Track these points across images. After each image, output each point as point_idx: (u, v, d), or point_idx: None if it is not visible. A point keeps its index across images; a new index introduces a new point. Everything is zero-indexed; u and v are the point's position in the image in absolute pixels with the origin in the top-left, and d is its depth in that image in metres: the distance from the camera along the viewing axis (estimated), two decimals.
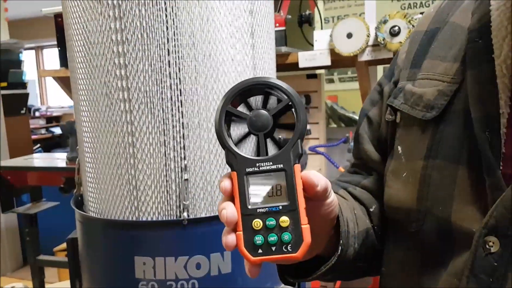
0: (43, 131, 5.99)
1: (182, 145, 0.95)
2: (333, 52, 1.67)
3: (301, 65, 1.74)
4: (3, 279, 3.01)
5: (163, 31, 0.91)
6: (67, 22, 1.02)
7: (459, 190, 0.47)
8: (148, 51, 0.91)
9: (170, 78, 0.93)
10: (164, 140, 0.94)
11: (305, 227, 0.41)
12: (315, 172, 0.43)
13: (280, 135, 0.45)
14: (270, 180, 0.42)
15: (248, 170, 0.42)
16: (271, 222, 0.42)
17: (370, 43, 1.60)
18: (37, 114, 6.29)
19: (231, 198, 0.43)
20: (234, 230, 0.42)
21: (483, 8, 0.47)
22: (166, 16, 0.90)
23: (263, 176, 0.42)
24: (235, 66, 0.98)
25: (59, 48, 2.22)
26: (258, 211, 0.42)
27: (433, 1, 2.37)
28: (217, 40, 0.94)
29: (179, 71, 0.93)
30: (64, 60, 2.20)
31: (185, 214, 0.96)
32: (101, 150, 0.99)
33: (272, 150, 0.44)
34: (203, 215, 0.98)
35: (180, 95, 0.94)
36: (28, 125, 3.80)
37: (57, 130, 5.94)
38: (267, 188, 0.42)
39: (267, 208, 0.42)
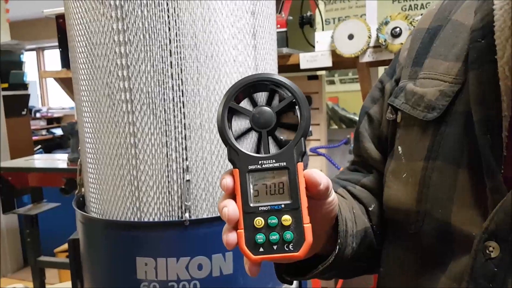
0: (44, 132, 6.00)
1: (184, 146, 0.95)
2: (334, 54, 1.67)
3: (302, 66, 1.74)
4: (4, 280, 3.01)
5: (165, 32, 0.91)
6: (69, 23, 1.02)
7: (459, 192, 0.46)
8: (150, 52, 0.91)
9: (172, 79, 0.93)
10: (166, 141, 0.94)
11: (307, 226, 0.41)
12: (317, 171, 0.43)
13: (282, 136, 0.44)
14: (273, 178, 0.42)
15: (250, 167, 0.42)
16: (273, 220, 0.41)
17: (371, 44, 1.60)
18: (38, 115, 6.30)
19: (233, 196, 0.42)
20: (235, 228, 0.42)
21: (486, 7, 0.46)
22: (168, 17, 0.91)
23: (266, 173, 0.42)
24: (237, 67, 0.98)
25: (60, 49, 2.23)
26: (260, 209, 0.41)
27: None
28: (219, 41, 0.94)
29: (181, 72, 0.93)
30: (65, 61, 2.20)
31: (186, 215, 0.96)
32: (103, 151, 0.99)
33: (275, 147, 0.43)
34: (204, 216, 0.98)
35: (182, 96, 0.94)
36: (29, 126, 3.80)
37: (58, 131, 5.95)
38: (270, 186, 0.42)
39: (269, 206, 0.41)
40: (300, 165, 0.42)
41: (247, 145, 0.44)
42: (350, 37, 1.61)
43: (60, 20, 2.18)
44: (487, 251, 0.42)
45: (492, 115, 0.43)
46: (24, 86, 3.56)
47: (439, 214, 0.48)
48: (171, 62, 0.92)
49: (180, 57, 0.92)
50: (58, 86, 2.39)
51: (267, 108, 0.43)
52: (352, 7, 2.44)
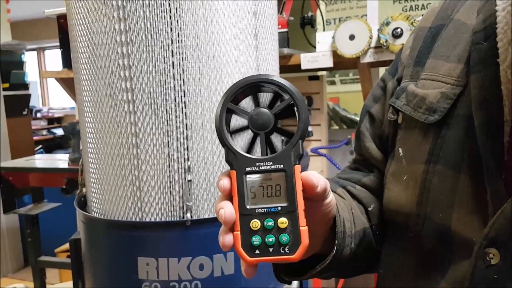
0: (44, 132, 6.01)
1: (185, 146, 0.95)
2: (335, 54, 1.67)
3: (303, 67, 1.74)
4: (4, 280, 3.01)
5: (167, 32, 0.91)
6: (71, 23, 1.02)
7: (460, 197, 0.46)
8: (152, 53, 0.91)
9: (174, 80, 0.93)
10: (168, 141, 0.95)
11: (304, 229, 0.41)
12: (314, 173, 0.42)
13: (280, 137, 0.44)
14: (270, 180, 0.42)
15: (247, 169, 0.42)
16: (269, 223, 0.41)
17: (373, 45, 1.60)
18: (38, 115, 6.31)
19: (229, 197, 0.42)
20: (232, 229, 0.42)
21: (489, 8, 0.45)
22: (170, 17, 0.91)
23: (263, 175, 0.42)
24: (239, 68, 0.98)
25: (61, 49, 2.23)
26: (256, 211, 0.41)
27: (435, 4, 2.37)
28: (221, 42, 0.95)
29: (183, 73, 0.93)
30: (66, 61, 2.20)
31: (188, 215, 0.96)
32: (104, 151, 0.99)
33: (273, 149, 0.43)
34: (206, 216, 0.98)
35: (184, 96, 0.94)
36: (29, 126, 3.80)
37: (59, 131, 5.95)
38: (267, 188, 0.42)
39: (265, 209, 0.41)
40: (297, 167, 0.41)
41: (245, 147, 0.44)
42: (351, 37, 1.61)
43: (61, 20, 2.18)
44: (487, 258, 0.41)
45: (494, 120, 0.42)
46: (25, 86, 3.56)
47: (439, 218, 0.47)
48: (173, 63, 0.92)
49: (182, 58, 0.92)
50: (59, 86, 2.40)
51: (265, 110, 0.42)
52: (353, 8, 2.44)
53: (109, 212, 1.01)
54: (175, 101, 0.93)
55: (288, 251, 0.41)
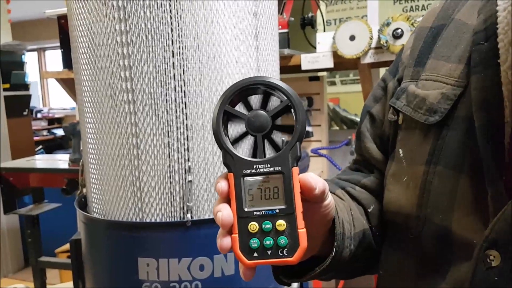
0: (45, 132, 6.01)
1: (186, 147, 0.95)
2: (335, 55, 1.67)
3: (303, 67, 1.74)
4: (5, 281, 3.01)
5: (168, 33, 0.91)
6: (71, 23, 1.02)
7: (460, 199, 0.46)
8: (152, 53, 0.91)
9: (175, 80, 0.93)
10: (168, 142, 0.95)
11: (302, 231, 0.41)
12: (312, 175, 0.42)
13: (278, 139, 0.44)
14: (268, 182, 0.41)
15: (245, 171, 0.41)
16: (268, 225, 0.41)
17: (373, 45, 1.60)
18: (39, 115, 6.31)
19: (227, 200, 0.42)
20: (230, 232, 0.41)
21: (490, 8, 0.45)
22: (170, 18, 0.91)
23: (260, 178, 0.42)
24: (239, 68, 0.98)
25: (61, 50, 2.23)
26: (254, 214, 0.41)
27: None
28: (221, 42, 0.95)
29: (183, 73, 0.93)
30: (66, 62, 2.21)
31: (188, 215, 0.96)
32: (105, 151, 0.99)
33: (270, 151, 0.43)
34: (206, 217, 0.98)
35: (184, 97, 0.94)
36: (30, 126, 3.81)
37: (59, 132, 5.96)
38: (264, 190, 0.41)
39: (263, 211, 0.41)
40: (295, 169, 0.41)
41: (245, 150, 0.44)
42: (352, 38, 1.61)
43: (62, 21, 2.19)
44: (488, 260, 0.41)
45: (495, 121, 0.42)
46: (26, 87, 3.56)
47: (439, 220, 0.47)
48: (173, 63, 0.92)
49: (183, 58, 0.92)
50: (59, 87, 2.40)
51: (262, 112, 0.42)
52: (353, 8, 2.44)
53: (110, 213, 1.01)
54: (176, 101, 0.93)
55: (286, 254, 0.41)
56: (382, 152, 0.61)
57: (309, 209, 0.44)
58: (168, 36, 0.91)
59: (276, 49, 1.13)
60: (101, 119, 0.98)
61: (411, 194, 0.51)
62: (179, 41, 0.92)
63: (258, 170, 0.41)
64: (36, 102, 6.74)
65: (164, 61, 0.92)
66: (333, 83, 3.17)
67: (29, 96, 3.64)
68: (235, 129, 0.45)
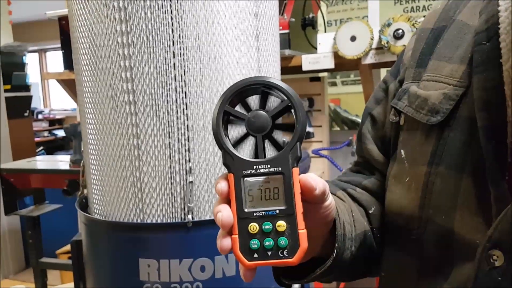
0: (46, 133, 6.02)
1: (187, 148, 0.95)
2: (336, 55, 1.67)
3: (304, 68, 1.74)
4: (5, 282, 3.01)
5: (169, 33, 0.91)
6: (72, 24, 1.02)
7: (463, 199, 0.45)
8: (153, 54, 0.91)
9: (175, 81, 0.93)
10: (169, 143, 0.95)
11: (302, 232, 0.40)
12: (313, 175, 0.42)
13: (278, 140, 0.44)
14: (268, 183, 0.41)
15: (245, 172, 0.41)
16: (268, 226, 0.41)
17: (374, 46, 1.60)
18: (40, 116, 6.31)
19: (227, 200, 0.42)
20: (230, 233, 0.41)
21: (491, 8, 0.45)
22: (171, 18, 0.91)
23: (260, 178, 0.41)
24: (240, 69, 0.98)
25: (62, 51, 2.23)
26: (254, 214, 0.41)
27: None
28: (222, 43, 0.95)
29: (184, 74, 0.93)
30: (67, 63, 2.21)
31: (189, 216, 0.96)
32: (106, 152, 0.99)
33: (270, 151, 0.42)
34: (207, 218, 0.98)
35: (185, 97, 0.94)
36: (31, 127, 3.81)
37: (60, 133, 5.96)
38: (265, 191, 0.41)
39: (263, 212, 0.41)
40: (295, 170, 0.41)
41: (246, 150, 0.44)
42: (353, 38, 1.61)
43: (62, 22, 2.19)
44: (491, 260, 0.41)
45: (497, 121, 0.42)
46: (26, 88, 3.56)
47: (441, 221, 0.47)
48: (174, 64, 0.92)
49: (183, 59, 0.92)
50: (60, 88, 2.40)
51: (262, 112, 0.42)
52: (354, 9, 2.44)
53: (111, 214, 1.01)
54: (177, 102, 0.93)
55: (286, 255, 0.40)
56: (383, 154, 0.60)
57: (310, 210, 0.44)
58: (169, 37, 0.91)
59: (277, 49, 1.12)
60: (102, 120, 0.98)
61: (413, 195, 0.51)
62: (180, 42, 0.92)
63: (258, 171, 0.41)
64: (37, 103, 6.75)
65: (165, 62, 0.92)
66: (334, 84, 3.16)
67: (30, 97, 3.64)
68: (236, 129, 0.44)
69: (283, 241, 0.40)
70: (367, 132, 0.62)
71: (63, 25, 2.19)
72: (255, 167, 0.41)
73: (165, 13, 0.90)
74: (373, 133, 0.62)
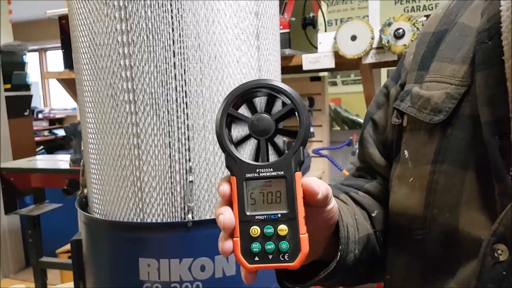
0: (46, 133, 6.01)
1: (187, 147, 0.95)
2: (337, 55, 1.66)
3: (305, 68, 1.73)
4: (5, 281, 3.01)
5: (169, 33, 0.91)
6: (72, 23, 1.02)
7: (467, 196, 0.45)
8: (153, 53, 0.91)
9: (176, 80, 0.93)
10: (169, 142, 0.94)
11: (303, 237, 0.40)
12: (315, 179, 0.42)
13: (281, 143, 0.44)
14: (270, 186, 0.41)
15: (247, 175, 0.41)
16: (269, 230, 0.41)
17: (374, 45, 1.60)
18: (40, 116, 6.31)
19: (229, 203, 0.42)
20: (231, 235, 0.41)
21: (493, 9, 0.45)
22: (172, 18, 0.90)
23: (263, 182, 0.41)
24: (240, 68, 0.97)
25: (63, 50, 2.23)
26: (256, 218, 0.41)
27: (436, 5, 2.36)
28: (223, 42, 0.94)
29: (184, 73, 0.93)
30: (67, 62, 2.20)
31: (189, 216, 0.96)
32: (106, 151, 0.99)
33: (273, 155, 0.42)
34: (207, 217, 0.98)
35: (186, 97, 0.93)
36: (31, 127, 3.81)
37: (60, 132, 5.96)
38: (267, 194, 0.41)
39: (265, 216, 0.41)
40: (298, 174, 0.41)
41: (248, 153, 0.44)
42: (353, 38, 1.61)
43: (62, 21, 2.18)
44: (496, 254, 0.41)
45: (500, 117, 0.42)
46: (27, 87, 3.56)
47: (446, 219, 0.47)
48: (174, 63, 0.92)
49: (184, 58, 0.92)
50: (60, 87, 2.40)
51: (266, 115, 0.42)
52: (354, 9, 2.44)
53: (111, 213, 1.01)
54: (177, 101, 0.93)
55: (287, 259, 0.41)
56: (385, 158, 0.61)
57: (312, 213, 0.44)
58: (169, 35, 0.91)
59: (278, 49, 1.12)
60: (102, 119, 0.97)
61: (417, 194, 0.51)
62: (180, 41, 0.91)
63: (260, 174, 0.41)
64: (37, 102, 6.75)
65: (165, 61, 0.92)
66: (334, 84, 3.16)
67: (30, 97, 3.64)
68: (239, 132, 0.44)
69: (284, 245, 0.41)
70: (368, 136, 0.62)
71: (63, 24, 2.18)
72: (257, 170, 0.41)
73: (165, 12, 0.90)
74: (374, 137, 0.62)
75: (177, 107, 0.93)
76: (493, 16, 0.45)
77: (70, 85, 2.31)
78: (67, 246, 2.60)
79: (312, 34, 1.98)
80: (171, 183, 0.96)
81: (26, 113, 3.59)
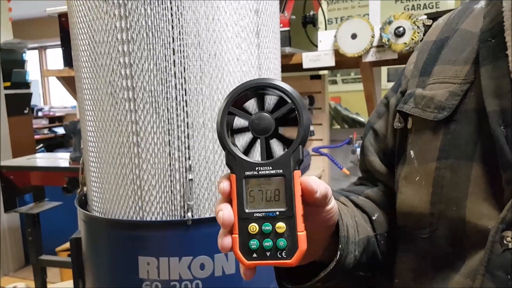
0: (46, 131, 6.01)
1: (186, 145, 0.95)
2: (337, 53, 1.66)
3: (305, 66, 1.73)
4: (5, 279, 3.01)
5: (169, 30, 0.91)
6: (72, 21, 1.02)
7: (474, 187, 0.46)
8: (153, 50, 0.91)
9: (175, 78, 0.92)
10: (169, 140, 0.94)
11: (301, 234, 0.41)
12: (314, 178, 0.42)
13: (281, 142, 0.44)
14: (269, 184, 0.42)
15: (247, 173, 0.42)
16: (267, 227, 0.41)
17: (375, 44, 1.59)
18: (40, 114, 6.31)
19: (229, 200, 0.43)
20: (230, 232, 0.42)
21: (495, 10, 0.47)
22: (171, 15, 0.90)
23: (262, 180, 0.42)
24: (240, 66, 0.97)
25: (62, 48, 2.22)
26: (255, 215, 0.42)
27: (437, 4, 2.36)
28: (223, 40, 0.94)
29: (184, 71, 0.92)
30: (67, 60, 2.20)
31: (189, 214, 0.95)
32: (105, 149, 0.98)
33: (273, 153, 0.43)
34: (207, 216, 0.98)
35: (185, 94, 0.93)
36: (31, 125, 3.81)
37: (60, 130, 5.96)
38: (266, 192, 0.42)
39: (264, 213, 0.42)
40: (296, 173, 0.42)
41: (248, 151, 0.44)
42: (353, 36, 1.61)
43: (62, 19, 2.18)
44: (505, 242, 0.41)
45: (506, 107, 0.43)
46: (26, 85, 3.56)
47: (453, 213, 0.48)
48: (174, 61, 0.92)
49: (183, 56, 0.92)
50: (60, 85, 2.39)
51: (266, 114, 0.42)
52: (355, 7, 2.43)
53: (110, 211, 1.01)
54: (176, 99, 0.93)
55: (285, 256, 0.41)
56: (386, 165, 0.62)
57: (312, 212, 0.45)
58: (169, 33, 0.91)
59: (278, 47, 1.12)
60: (101, 117, 0.97)
61: (424, 192, 0.51)
62: (180, 39, 0.91)
63: (260, 172, 0.42)
64: (37, 100, 6.74)
65: (165, 58, 0.91)
66: (334, 82, 3.16)
67: (30, 95, 3.64)
68: (240, 133, 0.45)
69: (282, 242, 0.41)
70: (369, 145, 0.64)
71: (63, 22, 2.18)
72: (257, 168, 0.42)
73: (165, 10, 0.90)
74: (375, 145, 0.64)
75: (176, 105, 0.93)
76: (496, 16, 0.47)
77: (70, 83, 2.30)
78: (67, 244, 2.60)
79: (312, 32, 1.97)
80: (171, 181, 0.95)
81: (26, 111, 3.59)
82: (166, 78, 0.92)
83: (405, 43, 1.51)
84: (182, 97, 0.93)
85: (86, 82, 0.99)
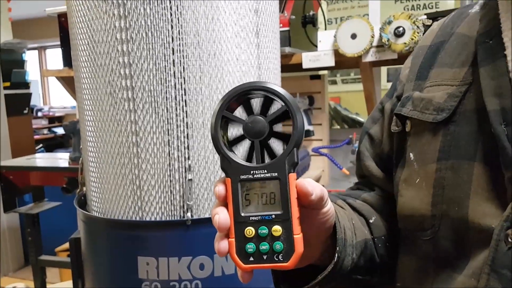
0: (45, 131, 6.01)
1: (186, 145, 0.95)
2: (337, 53, 1.66)
3: (304, 66, 1.73)
4: (5, 279, 3.01)
5: (168, 30, 0.90)
6: (71, 21, 1.01)
7: (476, 187, 0.46)
8: (152, 50, 0.91)
9: (175, 78, 0.92)
10: (168, 140, 0.94)
11: (297, 237, 0.41)
12: (310, 180, 0.42)
13: (275, 145, 0.44)
14: (264, 188, 0.42)
15: (242, 177, 0.42)
16: (263, 230, 0.41)
17: (374, 44, 1.59)
18: (39, 114, 6.30)
19: (225, 204, 0.42)
20: (227, 236, 0.42)
21: (492, 13, 0.48)
22: (171, 15, 0.90)
23: (257, 183, 0.42)
24: (240, 66, 0.97)
25: (62, 48, 2.22)
26: (251, 219, 0.42)
27: (436, 4, 2.36)
28: (222, 39, 0.94)
29: (183, 70, 0.92)
30: (67, 60, 2.20)
31: (188, 214, 0.95)
32: (105, 149, 0.98)
33: (268, 156, 0.43)
34: (206, 216, 0.97)
35: (185, 94, 0.93)
36: (30, 125, 3.81)
37: (60, 130, 5.96)
38: (261, 196, 0.42)
39: (260, 217, 0.42)
40: (291, 175, 0.42)
41: (243, 155, 0.44)
42: (353, 36, 1.60)
43: (62, 19, 2.18)
44: (509, 240, 0.41)
45: (506, 106, 0.43)
46: (26, 85, 3.56)
47: (455, 213, 0.47)
48: (173, 61, 0.92)
49: (183, 56, 0.92)
50: (59, 85, 2.39)
51: (260, 118, 0.42)
52: (354, 7, 2.43)
53: (109, 211, 1.01)
54: (176, 99, 0.93)
55: (282, 259, 0.41)
56: (382, 170, 0.62)
57: (308, 215, 0.45)
58: (168, 33, 0.91)
59: (277, 47, 1.12)
60: (101, 117, 0.97)
61: (424, 194, 0.51)
62: (179, 38, 0.91)
63: (255, 176, 0.42)
64: (36, 100, 6.73)
65: (164, 58, 0.91)
66: (334, 82, 3.16)
67: (30, 95, 3.64)
68: (234, 133, 0.45)
69: (278, 245, 0.41)
70: (365, 150, 0.64)
71: (63, 22, 2.18)
72: (252, 172, 0.42)
73: (165, 9, 0.90)
74: (371, 150, 0.64)
75: (176, 105, 0.93)
76: (493, 18, 0.47)
77: (69, 83, 2.30)
78: (66, 245, 2.60)
79: (312, 32, 1.97)
80: (170, 181, 0.95)
81: (26, 111, 3.59)
82: (166, 78, 0.92)
83: (405, 43, 1.51)
84: (182, 97, 0.93)
85: (86, 82, 0.99)
